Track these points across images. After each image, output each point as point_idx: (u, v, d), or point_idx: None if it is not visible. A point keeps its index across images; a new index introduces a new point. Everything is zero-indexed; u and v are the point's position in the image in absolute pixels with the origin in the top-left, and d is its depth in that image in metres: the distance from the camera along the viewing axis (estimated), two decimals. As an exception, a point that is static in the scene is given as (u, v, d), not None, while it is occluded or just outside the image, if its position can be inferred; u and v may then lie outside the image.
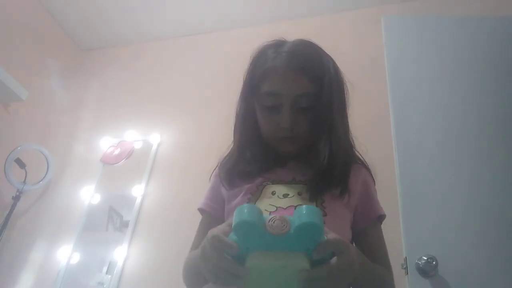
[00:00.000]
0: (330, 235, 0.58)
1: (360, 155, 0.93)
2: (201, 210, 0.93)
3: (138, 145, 2.41)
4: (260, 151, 0.88)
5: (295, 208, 0.76)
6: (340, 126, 0.86)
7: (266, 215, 0.57)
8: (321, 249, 0.56)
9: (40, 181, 2.33)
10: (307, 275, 0.54)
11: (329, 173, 0.81)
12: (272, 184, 0.82)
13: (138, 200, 2.17)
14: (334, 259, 0.57)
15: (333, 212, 0.78)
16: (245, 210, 0.55)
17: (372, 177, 0.93)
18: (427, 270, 1.23)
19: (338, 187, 0.81)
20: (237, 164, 0.88)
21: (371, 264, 0.75)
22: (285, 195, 0.79)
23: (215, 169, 0.96)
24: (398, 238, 1.30)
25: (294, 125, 0.83)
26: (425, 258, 1.23)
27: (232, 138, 0.95)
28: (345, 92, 0.90)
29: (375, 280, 0.76)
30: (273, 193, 0.80)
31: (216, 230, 0.61)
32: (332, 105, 0.84)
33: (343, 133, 0.87)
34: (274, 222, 0.54)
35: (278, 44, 0.89)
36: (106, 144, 2.48)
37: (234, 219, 0.55)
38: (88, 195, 2.29)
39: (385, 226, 0.88)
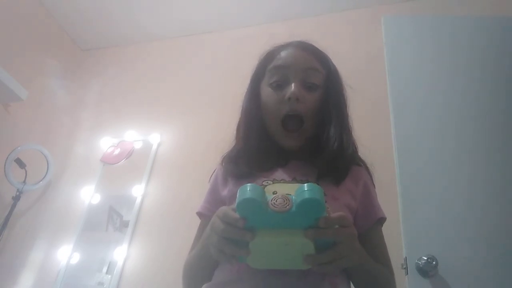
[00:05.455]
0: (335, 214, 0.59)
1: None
2: (200, 214, 0.90)
3: (138, 145, 2.41)
4: (263, 148, 0.87)
5: None
6: (347, 119, 0.89)
7: (269, 195, 0.58)
8: (327, 221, 0.57)
9: (40, 181, 2.33)
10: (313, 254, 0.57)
11: (337, 158, 0.82)
12: (273, 183, 0.82)
13: (138, 200, 2.17)
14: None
15: (334, 212, 0.78)
16: (248, 189, 0.56)
17: (372, 180, 0.92)
18: (427, 270, 1.23)
19: (337, 175, 0.82)
20: (239, 162, 0.87)
21: (372, 260, 0.76)
22: (287, 194, 0.79)
23: (214, 171, 0.95)
24: (398, 238, 1.29)
25: (301, 96, 0.83)
26: (425, 258, 1.23)
27: (234, 137, 0.94)
28: (345, 92, 0.92)
29: (376, 276, 0.76)
30: (274, 193, 0.80)
31: (225, 208, 0.62)
32: (340, 88, 0.88)
33: (349, 129, 0.90)
34: (276, 201, 0.56)
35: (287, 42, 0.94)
36: (106, 144, 2.48)
37: (237, 197, 0.56)
38: (88, 195, 2.29)
39: (385, 226, 0.88)
